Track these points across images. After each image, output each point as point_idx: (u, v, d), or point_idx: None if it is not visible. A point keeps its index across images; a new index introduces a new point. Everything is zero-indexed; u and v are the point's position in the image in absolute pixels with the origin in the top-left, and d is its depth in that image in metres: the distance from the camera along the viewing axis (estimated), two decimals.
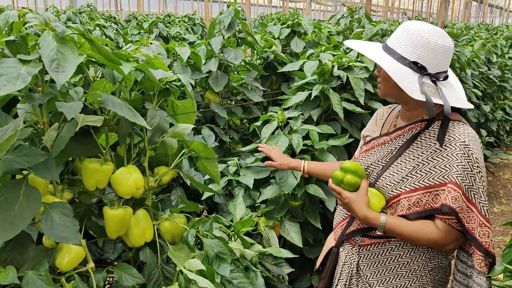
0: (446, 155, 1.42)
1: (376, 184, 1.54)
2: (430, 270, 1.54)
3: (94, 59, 1.32)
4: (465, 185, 1.37)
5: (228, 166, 2.43)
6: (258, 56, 3.44)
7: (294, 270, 1.92)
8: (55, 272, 1.31)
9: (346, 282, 1.62)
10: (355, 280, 1.61)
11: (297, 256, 1.94)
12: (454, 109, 1.50)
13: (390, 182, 1.50)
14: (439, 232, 1.41)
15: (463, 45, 5.82)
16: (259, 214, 2.23)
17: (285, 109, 2.60)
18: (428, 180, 1.43)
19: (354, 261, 1.60)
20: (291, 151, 2.38)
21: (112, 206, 1.43)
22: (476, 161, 1.40)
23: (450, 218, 1.40)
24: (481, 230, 1.36)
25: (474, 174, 1.39)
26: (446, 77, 1.47)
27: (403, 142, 1.53)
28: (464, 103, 1.49)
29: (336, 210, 1.77)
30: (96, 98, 1.34)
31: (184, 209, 1.64)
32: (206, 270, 1.18)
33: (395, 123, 1.64)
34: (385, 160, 1.55)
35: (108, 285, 1.58)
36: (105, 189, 1.53)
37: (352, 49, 3.02)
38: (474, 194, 1.37)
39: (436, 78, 1.45)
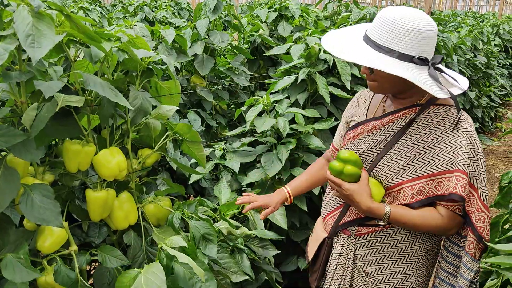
0: (450, 142, 1.38)
1: (372, 173, 1.48)
2: (426, 253, 1.54)
3: (75, 38, 1.29)
4: (470, 172, 1.36)
5: (214, 150, 2.41)
6: (245, 40, 3.40)
7: (280, 252, 1.93)
8: (37, 255, 1.30)
9: (343, 273, 1.58)
10: (351, 271, 1.57)
11: (282, 238, 1.95)
12: None
13: (389, 170, 1.45)
14: (442, 219, 1.40)
15: (450, 31, 5.84)
16: None
17: (271, 93, 2.58)
18: (431, 167, 1.39)
19: (350, 251, 1.55)
20: (276, 135, 2.37)
21: (95, 188, 1.41)
22: (479, 148, 1.40)
23: (454, 204, 1.39)
24: (478, 214, 1.36)
25: (478, 161, 1.38)
26: (441, 60, 1.41)
27: (397, 129, 1.47)
28: (462, 86, 1.43)
29: (324, 199, 1.70)
30: (77, 78, 1.31)
31: (169, 191, 1.63)
32: (187, 247, 1.17)
33: (383, 107, 1.56)
34: (379, 148, 1.49)
35: (93, 270, 1.57)
36: (88, 171, 1.51)
37: None
38: (476, 179, 1.37)
39: (435, 65, 1.37)
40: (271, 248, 1.91)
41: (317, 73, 2.44)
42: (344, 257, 1.56)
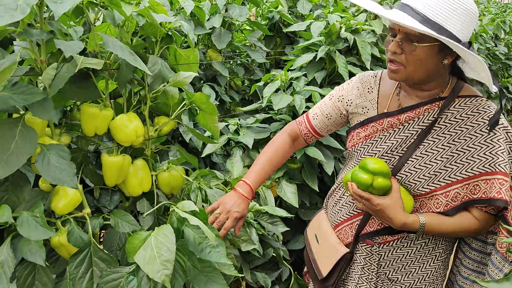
0: (486, 141, 1.24)
1: (396, 180, 1.32)
2: (449, 252, 1.46)
3: (95, 1, 1.27)
4: (510, 172, 1.25)
5: (228, 125, 2.40)
6: (263, 16, 3.35)
7: (289, 229, 1.92)
8: (51, 216, 1.31)
9: (366, 285, 1.44)
10: (375, 282, 1.43)
11: (292, 216, 1.95)
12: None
13: (419, 177, 1.29)
14: (478, 222, 1.29)
15: None
16: None
17: (289, 70, 2.55)
18: (467, 170, 1.25)
19: (374, 261, 1.41)
20: (292, 113, 2.35)
21: (110, 153, 1.40)
22: None
23: (490, 206, 1.28)
24: None
25: None
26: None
27: (420, 128, 1.30)
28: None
29: (334, 204, 1.52)
30: (97, 41, 1.30)
31: (181, 161, 1.62)
32: (199, 211, 1.17)
33: (397, 100, 1.38)
34: (400, 150, 1.32)
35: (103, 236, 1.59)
36: (103, 137, 1.51)
37: (360, 12, 2.94)
38: None
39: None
40: (281, 225, 1.91)
41: (336, 51, 2.40)
42: (368, 269, 1.43)
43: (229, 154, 2.54)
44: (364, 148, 1.40)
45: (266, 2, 3.27)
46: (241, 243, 1.57)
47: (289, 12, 3.40)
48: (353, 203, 1.44)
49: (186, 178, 1.57)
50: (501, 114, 1.26)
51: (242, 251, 1.66)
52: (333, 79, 2.55)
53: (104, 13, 1.28)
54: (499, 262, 1.28)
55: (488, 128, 1.25)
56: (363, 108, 1.42)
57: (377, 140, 1.37)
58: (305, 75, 2.49)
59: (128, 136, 1.35)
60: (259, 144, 2.41)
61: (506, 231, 1.26)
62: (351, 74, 2.41)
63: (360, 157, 1.41)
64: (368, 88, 1.43)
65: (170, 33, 1.45)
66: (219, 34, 2.70)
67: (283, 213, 1.87)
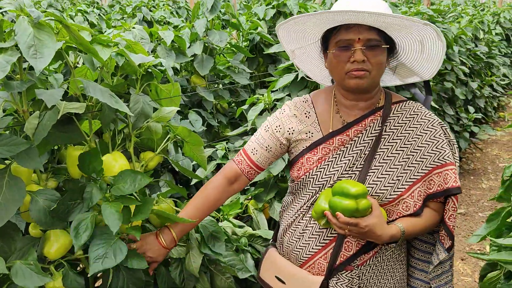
0: (431, 138, 1.35)
1: None
2: (406, 251, 1.51)
3: (74, 45, 1.30)
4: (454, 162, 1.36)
5: (216, 150, 2.43)
6: (244, 38, 3.40)
7: None
8: (44, 261, 1.31)
9: None
10: None
11: (267, 248, 1.96)
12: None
13: (385, 186, 1.32)
14: (437, 213, 1.38)
15: (450, 22, 5.81)
16: (249, 197, 2.24)
17: (272, 91, 2.59)
18: (422, 169, 1.33)
19: (356, 285, 1.38)
20: None
21: None
22: (450, 135, 1.39)
23: (441, 196, 1.36)
24: (452, 213, 1.36)
25: (453, 149, 1.39)
26: None
27: (370, 139, 1.35)
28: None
29: (297, 238, 1.42)
30: (78, 84, 1.33)
31: (171, 192, 1.64)
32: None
33: (339, 118, 1.39)
34: (359, 164, 1.34)
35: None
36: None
37: None
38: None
39: None
40: None
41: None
42: None
43: None
44: (320, 171, 1.37)
45: (245, 24, 3.33)
46: (237, 271, 1.58)
47: (269, 32, 3.46)
48: (322, 232, 1.37)
49: (176, 209, 1.58)
50: (430, 111, 1.40)
51: (239, 279, 1.67)
52: None
53: (83, 58, 1.31)
54: (439, 249, 1.37)
55: (427, 126, 1.35)
56: (306, 134, 1.40)
57: (332, 161, 1.36)
58: (289, 95, 2.52)
59: (115, 175, 1.36)
60: None
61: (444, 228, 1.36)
62: None
63: (318, 181, 1.37)
64: (305, 113, 1.42)
65: (150, 70, 1.48)
66: (201, 61, 2.74)
67: None
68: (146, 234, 1.42)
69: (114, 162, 1.37)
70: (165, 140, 1.53)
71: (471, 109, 5.35)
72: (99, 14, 4.18)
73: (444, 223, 1.36)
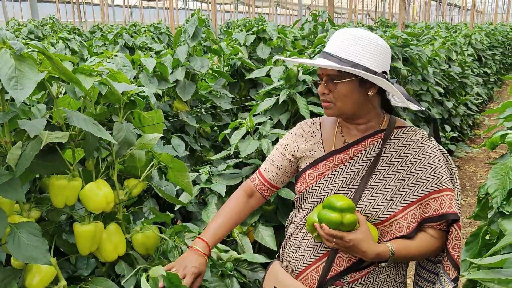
0: (429, 162, 1.37)
1: (356, 211, 1.36)
2: (405, 277, 1.51)
3: (56, 75, 1.31)
4: (453, 189, 1.37)
5: (200, 174, 2.43)
6: (225, 63, 3.45)
7: None
8: None
9: None
10: None
11: (272, 260, 1.96)
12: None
13: (378, 205, 1.36)
14: (437, 240, 1.38)
15: (424, 44, 6.00)
16: None
17: (254, 115, 2.63)
18: (418, 192, 1.36)
19: None
20: (261, 156, 2.40)
21: (82, 222, 1.41)
22: (452, 163, 1.41)
23: (442, 223, 1.37)
24: (456, 243, 1.36)
25: (453, 176, 1.40)
26: (397, 81, 1.40)
27: (368, 159, 1.41)
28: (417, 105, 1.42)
29: (294, 250, 1.49)
30: (61, 114, 1.33)
31: (156, 220, 1.64)
32: (169, 275, 1.20)
33: (342, 137, 1.47)
34: (355, 183, 1.40)
35: None
36: (74, 205, 1.52)
37: (316, 53, 3.08)
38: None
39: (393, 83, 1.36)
40: (261, 271, 1.92)
41: (297, 93, 2.50)
42: None
43: (204, 202, 2.56)
44: (319, 186, 1.44)
45: (226, 49, 3.38)
46: None
47: (250, 57, 3.52)
48: (317, 246, 1.43)
49: (161, 236, 1.58)
50: (432, 138, 1.42)
51: None
52: (297, 120, 2.63)
53: (65, 87, 1.32)
54: (444, 281, 1.37)
55: (427, 151, 1.38)
56: (310, 151, 1.49)
57: (330, 177, 1.43)
58: (270, 118, 2.56)
59: (98, 204, 1.36)
60: (233, 190, 2.43)
61: (447, 258, 1.36)
62: (313, 114, 2.50)
63: (316, 196, 1.44)
64: (311, 133, 1.52)
65: (133, 98, 1.49)
66: (183, 86, 2.77)
67: (262, 259, 1.89)
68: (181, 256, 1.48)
69: (98, 190, 1.37)
70: (149, 167, 1.54)
71: (448, 128, 5.49)
72: (80, 41, 4.19)
73: (448, 253, 1.35)
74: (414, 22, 15.31)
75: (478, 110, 7.38)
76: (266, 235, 2.17)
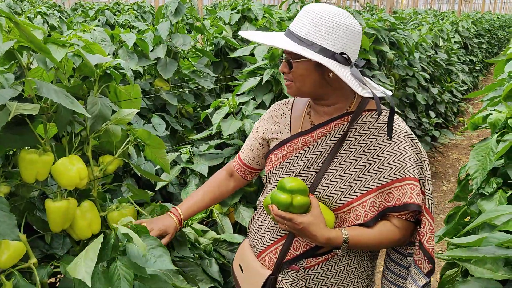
0: (394, 149, 1.31)
1: (315, 195, 1.34)
2: (371, 269, 1.48)
3: (27, 45, 1.25)
4: (419, 178, 1.30)
5: (180, 154, 2.39)
6: (209, 42, 3.39)
7: None
8: None
9: None
10: None
11: (245, 238, 1.95)
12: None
13: (336, 190, 1.32)
14: (399, 231, 1.32)
15: (411, 29, 5.99)
16: None
17: (237, 95, 2.58)
18: (380, 179, 1.30)
19: (301, 286, 1.38)
20: (243, 137, 2.37)
21: (55, 198, 1.37)
22: (421, 150, 1.35)
23: (407, 213, 1.32)
24: (430, 235, 1.29)
25: (422, 164, 1.33)
26: (365, 64, 1.37)
27: (332, 142, 1.36)
28: (386, 92, 1.34)
29: (256, 230, 1.49)
30: (31, 85, 1.27)
31: (133, 198, 1.60)
32: (137, 226, 1.21)
33: (309, 120, 1.44)
34: (316, 166, 1.36)
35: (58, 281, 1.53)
36: (47, 181, 1.47)
37: None
38: (423, 183, 1.32)
39: (358, 66, 1.29)
40: None
41: (281, 73, 2.45)
42: None
43: (185, 183, 2.53)
44: (282, 168, 1.42)
45: (210, 28, 3.31)
46: (198, 282, 1.55)
47: (234, 36, 3.45)
48: (276, 228, 1.41)
49: (142, 212, 1.55)
50: (403, 123, 1.35)
51: None
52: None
53: (36, 58, 1.26)
54: (416, 275, 1.31)
55: (393, 137, 1.31)
56: (278, 133, 1.48)
57: (293, 159, 1.41)
58: (254, 98, 2.52)
59: (71, 179, 1.31)
60: (214, 171, 2.40)
61: (420, 250, 1.30)
62: None
63: (279, 177, 1.42)
64: (281, 115, 1.51)
65: (108, 71, 1.44)
66: (165, 64, 2.71)
67: (241, 239, 1.87)
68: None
69: (70, 166, 1.32)
70: (125, 143, 1.49)
71: (432, 114, 5.52)
72: (60, 17, 4.06)
73: (423, 247, 1.29)
74: (402, 9, 15.31)
75: (463, 97, 7.43)
76: (246, 216, 2.15)
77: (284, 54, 1.37)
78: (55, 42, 1.28)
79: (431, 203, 1.30)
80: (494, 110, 1.46)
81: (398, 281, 1.45)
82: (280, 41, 1.29)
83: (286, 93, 2.31)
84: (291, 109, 1.50)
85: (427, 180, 1.32)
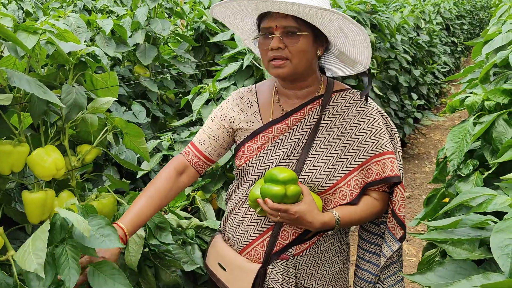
0: (369, 126, 1.34)
1: (300, 182, 1.32)
2: (348, 243, 1.51)
3: None
4: (394, 151, 1.35)
5: (161, 141, 2.37)
6: (189, 27, 3.34)
7: None
8: None
9: None
10: None
11: (214, 235, 1.95)
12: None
13: (320, 174, 1.32)
14: (380, 203, 1.37)
15: (393, 11, 5.98)
16: (196, 188, 2.21)
17: (218, 80, 2.56)
18: (360, 157, 1.33)
19: (292, 275, 1.37)
20: None
21: (32, 189, 1.34)
22: (391, 124, 1.39)
23: (384, 185, 1.36)
24: (402, 203, 1.35)
25: (393, 137, 1.38)
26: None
27: (308, 128, 1.35)
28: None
29: (237, 225, 1.43)
30: (3, 75, 1.24)
31: (112, 187, 1.58)
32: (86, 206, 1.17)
33: (279, 107, 1.40)
34: (296, 153, 1.35)
35: None
36: (24, 172, 1.44)
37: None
38: (396, 156, 1.36)
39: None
40: None
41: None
42: (287, 283, 1.38)
43: None
44: (260, 160, 1.37)
45: (190, 13, 3.26)
46: (183, 264, 1.55)
47: (215, 21, 3.41)
48: (260, 220, 1.38)
49: (119, 200, 1.53)
50: (370, 100, 1.38)
51: (186, 272, 1.65)
52: None
53: (7, 46, 1.23)
54: (390, 241, 1.37)
55: (366, 115, 1.34)
56: (247, 123, 1.41)
57: (270, 149, 1.37)
58: (235, 83, 2.50)
59: (47, 170, 1.29)
60: None
61: (392, 217, 1.37)
62: None
63: (257, 169, 1.38)
64: (247, 103, 1.43)
65: (83, 59, 1.41)
66: (144, 50, 2.66)
67: None
68: None
69: (46, 156, 1.30)
70: (103, 132, 1.47)
71: (415, 96, 5.56)
72: (35, 2, 3.95)
73: (395, 214, 1.35)
74: None
75: (444, 79, 7.49)
76: None
77: (275, 30, 1.24)
78: (26, 29, 1.24)
79: (402, 173, 1.36)
80: (472, 92, 1.47)
81: (372, 248, 1.49)
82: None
83: (270, 76, 2.29)
84: (257, 97, 1.43)
85: (398, 152, 1.37)
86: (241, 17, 1.36)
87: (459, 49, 9.49)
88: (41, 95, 1.16)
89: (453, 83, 8.83)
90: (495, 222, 0.85)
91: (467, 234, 0.91)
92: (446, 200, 1.56)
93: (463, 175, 1.31)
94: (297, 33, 1.24)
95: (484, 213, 0.93)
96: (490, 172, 1.25)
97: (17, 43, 1.13)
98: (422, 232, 3.56)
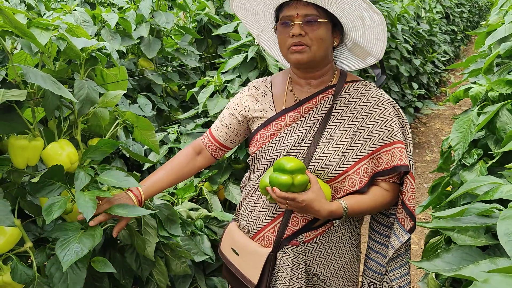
0: (380, 116, 1.36)
1: (309, 169, 1.36)
2: (360, 236, 1.54)
3: (10, 30, 1.24)
4: (404, 141, 1.37)
5: (168, 134, 2.40)
6: (191, 19, 3.35)
7: None
8: None
9: (297, 285, 1.42)
10: (305, 280, 1.43)
11: (229, 221, 1.99)
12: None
13: (330, 161, 1.35)
14: (389, 193, 1.39)
15: (393, 1, 5.97)
16: (203, 180, 2.24)
17: (222, 73, 2.58)
18: (370, 146, 1.35)
19: (302, 261, 1.41)
20: None
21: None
22: (403, 115, 1.41)
23: (393, 175, 1.38)
24: (411, 194, 1.36)
25: (404, 128, 1.40)
26: None
27: (320, 116, 1.39)
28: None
29: (249, 211, 1.48)
30: (17, 71, 1.27)
31: None
32: None
33: (293, 96, 1.45)
34: (307, 141, 1.38)
35: None
36: (37, 166, 1.47)
37: None
38: (406, 146, 1.38)
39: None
40: None
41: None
42: (297, 269, 1.41)
43: None
44: (272, 147, 1.42)
45: (192, 5, 3.26)
46: (193, 255, 1.59)
47: (217, 12, 3.42)
48: (272, 206, 1.43)
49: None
50: (383, 91, 1.42)
51: (195, 261, 1.69)
52: None
53: (20, 42, 1.25)
54: (399, 232, 1.39)
55: (378, 105, 1.38)
56: (261, 111, 1.47)
57: (283, 136, 1.41)
58: (239, 76, 2.52)
59: (62, 163, 1.32)
60: None
61: (403, 208, 1.38)
62: None
63: (269, 156, 1.43)
64: (262, 92, 1.50)
65: (94, 54, 1.43)
66: (148, 43, 2.68)
67: (231, 217, 1.91)
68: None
69: (60, 150, 1.33)
70: (114, 125, 1.50)
71: (415, 85, 5.58)
72: None
73: (405, 205, 1.37)
74: None
75: (445, 68, 7.49)
76: (236, 193, 2.19)
77: (295, 18, 1.30)
78: (39, 26, 1.26)
79: (412, 164, 1.37)
80: (475, 82, 1.50)
81: (381, 239, 1.52)
82: None
83: (274, 68, 2.32)
84: (271, 87, 1.50)
85: (409, 143, 1.39)
86: (260, 8, 1.42)
87: (458, 37, 9.48)
88: (56, 91, 1.18)
89: (453, 72, 8.83)
90: (500, 210, 0.88)
91: (473, 222, 0.94)
92: (449, 188, 1.60)
93: (468, 164, 1.34)
94: (318, 20, 1.30)
95: (489, 202, 0.96)
96: (494, 161, 1.28)
97: (32, 40, 1.15)
98: (424, 220, 3.61)
